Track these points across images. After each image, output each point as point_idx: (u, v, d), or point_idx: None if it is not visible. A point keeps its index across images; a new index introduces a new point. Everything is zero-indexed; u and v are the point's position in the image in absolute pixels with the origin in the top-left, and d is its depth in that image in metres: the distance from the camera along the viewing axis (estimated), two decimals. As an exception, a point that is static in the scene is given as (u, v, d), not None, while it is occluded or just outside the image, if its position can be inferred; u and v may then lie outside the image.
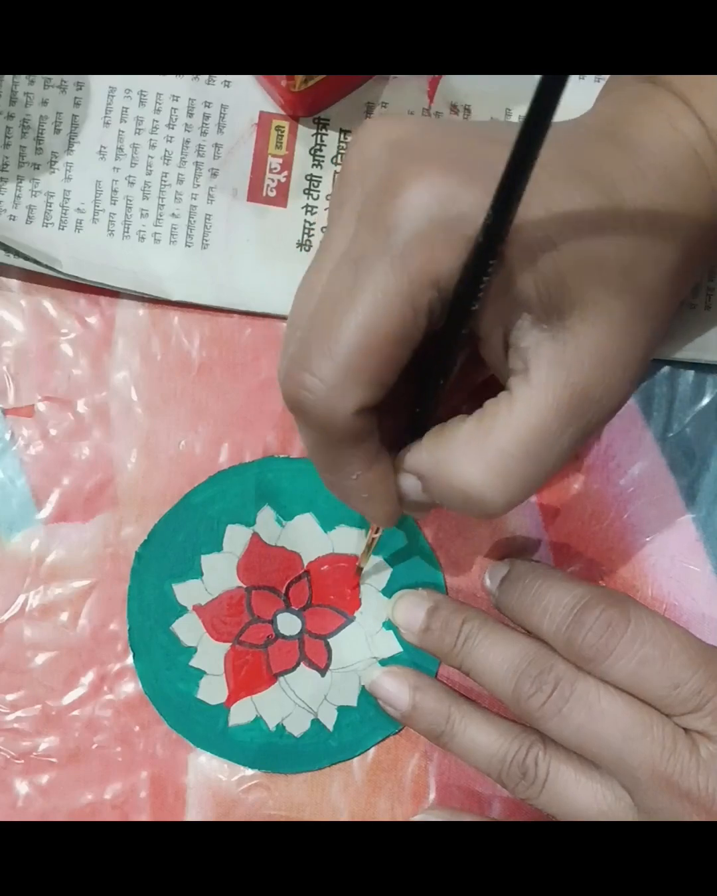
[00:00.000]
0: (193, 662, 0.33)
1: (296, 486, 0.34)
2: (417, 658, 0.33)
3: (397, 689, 0.32)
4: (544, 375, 0.25)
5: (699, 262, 0.27)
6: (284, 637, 0.34)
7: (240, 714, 0.33)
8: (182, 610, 0.34)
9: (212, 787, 0.33)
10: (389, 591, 0.34)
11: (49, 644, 0.34)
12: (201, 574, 0.34)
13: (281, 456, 0.34)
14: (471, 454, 0.25)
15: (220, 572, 0.34)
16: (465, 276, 0.23)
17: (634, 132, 0.26)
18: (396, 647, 0.34)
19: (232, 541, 0.34)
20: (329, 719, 0.33)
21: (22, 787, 0.33)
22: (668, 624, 0.28)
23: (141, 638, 0.33)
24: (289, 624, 0.34)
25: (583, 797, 0.29)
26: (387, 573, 0.34)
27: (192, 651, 0.34)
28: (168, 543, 0.34)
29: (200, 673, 0.33)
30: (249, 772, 0.33)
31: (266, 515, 0.34)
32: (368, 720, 0.33)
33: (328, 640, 0.34)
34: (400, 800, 0.33)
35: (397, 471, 0.27)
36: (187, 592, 0.34)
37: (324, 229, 0.34)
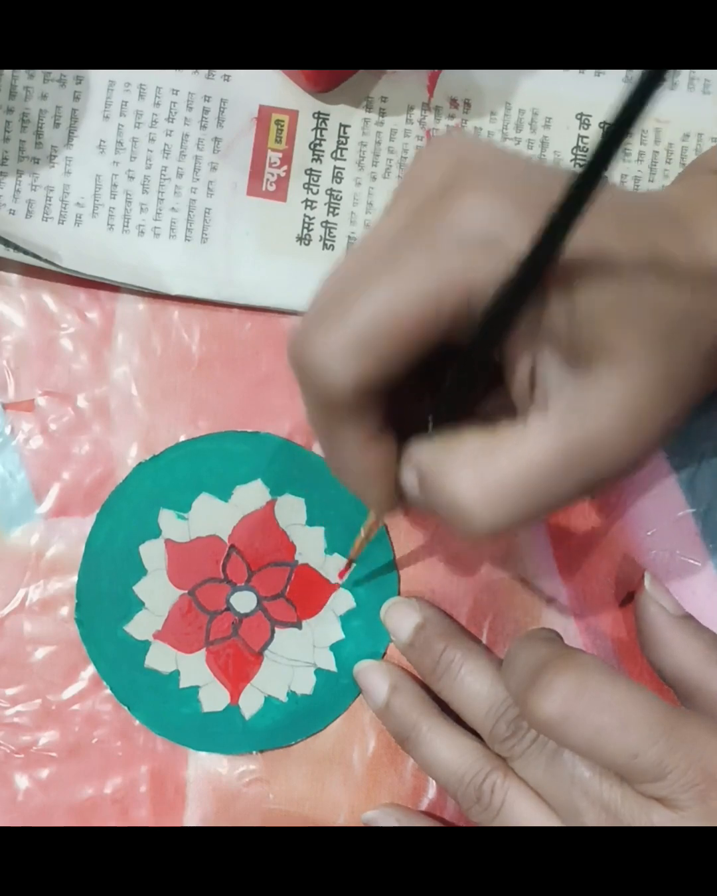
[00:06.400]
0: (183, 684, 0.33)
1: (177, 477, 0.34)
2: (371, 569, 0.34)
3: (376, 685, 0.32)
4: (560, 417, 0.24)
5: None
6: (246, 615, 0.34)
7: (250, 704, 0.33)
8: (145, 644, 0.33)
9: (212, 781, 0.33)
10: (310, 522, 0.34)
11: (49, 638, 0.34)
12: (143, 604, 0.34)
13: (146, 459, 0.34)
14: (471, 469, 0.25)
15: (157, 593, 0.34)
16: (499, 295, 0.23)
17: (695, 227, 0.25)
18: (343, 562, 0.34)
19: (151, 559, 0.34)
20: (328, 662, 0.33)
21: (22, 781, 0.33)
22: (630, 689, 0.26)
23: (126, 689, 0.33)
24: (244, 601, 0.34)
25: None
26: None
27: (175, 675, 0.33)
28: (98, 595, 0.33)
29: (194, 689, 0.33)
30: (252, 766, 0.33)
31: (166, 518, 0.34)
32: (362, 644, 0.33)
33: (285, 593, 0.34)
34: (400, 795, 0.33)
35: (404, 462, 0.27)
36: (140, 627, 0.33)
37: (325, 224, 0.34)
